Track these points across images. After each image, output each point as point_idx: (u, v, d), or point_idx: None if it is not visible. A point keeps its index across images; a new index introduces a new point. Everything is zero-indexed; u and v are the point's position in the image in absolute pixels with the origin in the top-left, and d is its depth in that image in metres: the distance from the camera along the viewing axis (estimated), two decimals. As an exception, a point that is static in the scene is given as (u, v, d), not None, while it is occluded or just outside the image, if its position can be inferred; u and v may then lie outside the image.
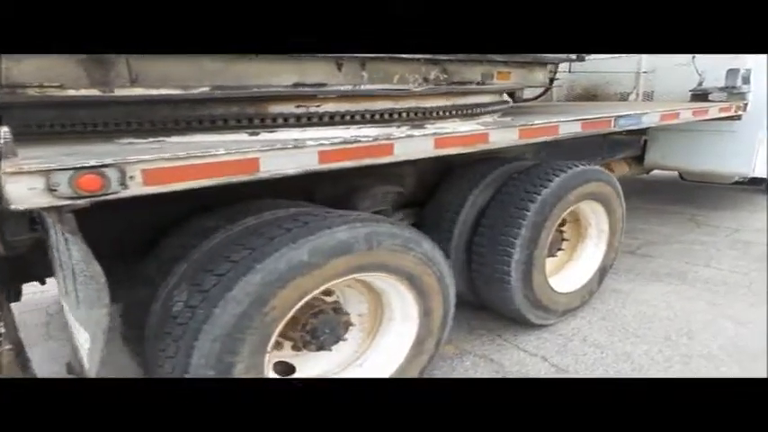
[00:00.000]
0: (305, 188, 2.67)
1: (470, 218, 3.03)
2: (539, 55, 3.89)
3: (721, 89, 4.57)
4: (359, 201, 2.99)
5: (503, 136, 2.51)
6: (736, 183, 5.90)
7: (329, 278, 1.94)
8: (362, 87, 2.10)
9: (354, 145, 1.88)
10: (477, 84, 3.72)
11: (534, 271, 2.91)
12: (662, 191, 7.14)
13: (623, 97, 5.63)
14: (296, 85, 2.35)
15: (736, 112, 4.66)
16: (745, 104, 4.77)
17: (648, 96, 5.49)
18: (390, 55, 3.01)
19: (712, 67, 4.83)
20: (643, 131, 5.63)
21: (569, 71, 5.90)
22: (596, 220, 3.46)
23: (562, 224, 3.42)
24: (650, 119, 3.50)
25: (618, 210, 3.45)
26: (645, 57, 5.43)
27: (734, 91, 4.55)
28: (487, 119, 2.78)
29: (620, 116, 3.22)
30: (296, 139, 1.80)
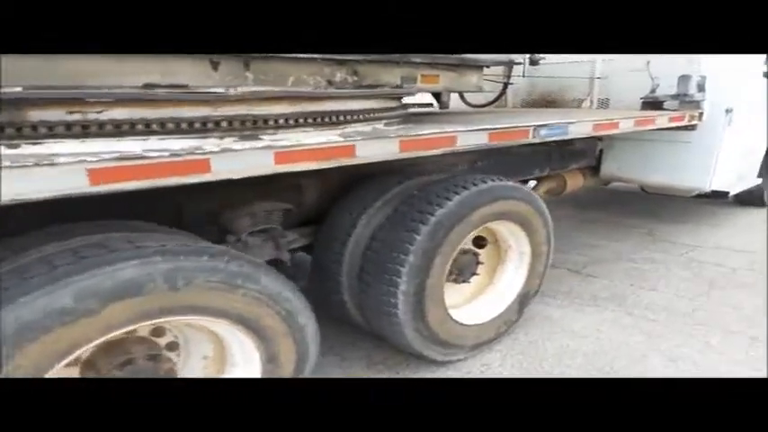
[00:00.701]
0: (167, 205, 2.29)
1: (363, 240, 2.66)
2: (467, 56, 3.53)
3: (673, 97, 4.21)
4: (235, 219, 2.61)
5: (376, 148, 2.14)
6: (699, 196, 5.55)
7: (112, 327, 1.55)
8: (158, 91, 1.70)
9: (140, 162, 1.50)
10: (397, 86, 3.36)
11: (428, 303, 2.54)
12: (626, 202, 6.79)
13: (577, 104, 5.28)
14: (146, 86, 1.97)
15: (689, 121, 4.31)
16: (701, 113, 4.42)
17: (604, 104, 5.14)
18: (280, 54, 2.65)
19: (669, 72, 4.48)
20: (599, 139, 5.28)
21: (523, 75, 5.55)
22: (516, 241, 3.09)
23: (481, 245, 3.06)
24: (579, 129, 3.13)
25: (540, 231, 3.08)
26: (599, 62, 5.08)
27: (686, 99, 4.20)
28: (363, 128, 2.40)
29: (541, 126, 2.85)
30: (53, 155, 1.41)
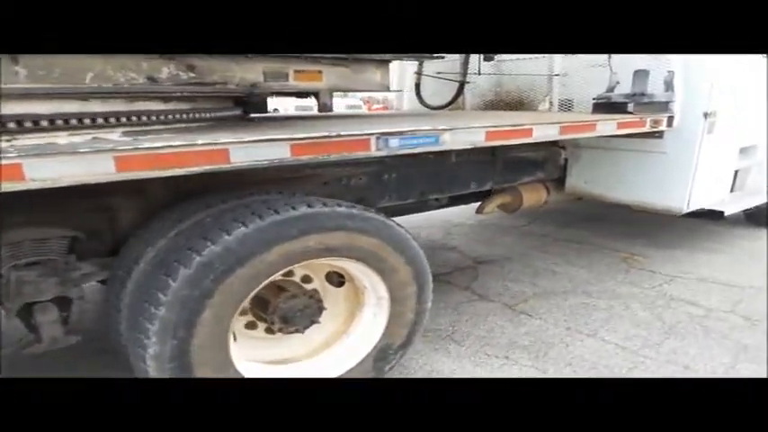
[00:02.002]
0: None
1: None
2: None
3: (628, 97, 3.42)
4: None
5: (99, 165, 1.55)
6: (692, 215, 4.66)
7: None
8: None
9: None
10: (252, 85, 2.80)
11: (198, 368, 1.91)
12: (618, 219, 5.91)
13: (533, 106, 4.52)
14: None
15: (653, 127, 3.50)
16: (670, 118, 3.60)
17: (566, 105, 4.36)
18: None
19: (637, 67, 3.70)
20: (562, 147, 4.51)
21: (478, 73, 4.84)
22: (370, 282, 2.42)
23: (342, 282, 2.43)
24: (461, 138, 2.44)
25: (401, 270, 2.40)
26: (559, 57, 4.31)
27: (644, 100, 3.39)
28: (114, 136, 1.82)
29: (387, 135, 2.18)
30: None
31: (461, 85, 5.01)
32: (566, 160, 4.58)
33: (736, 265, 4.46)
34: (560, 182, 4.68)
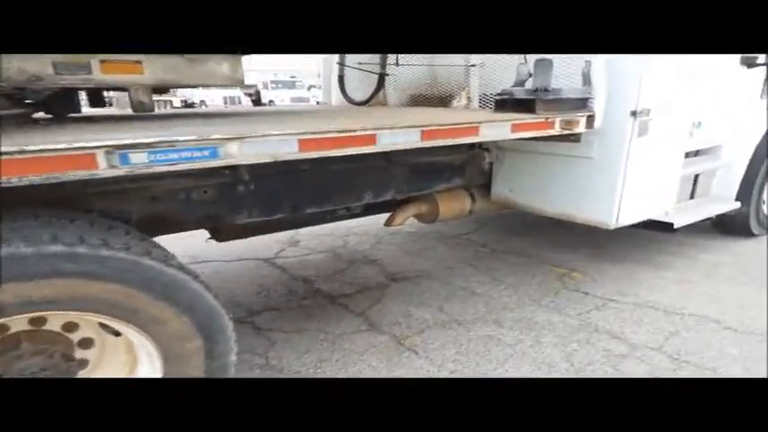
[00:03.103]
0: None
1: None
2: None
3: (529, 93, 2.82)
4: None
5: None
6: (639, 226, 4.04)
7: None
8: None
9: None
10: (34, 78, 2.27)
11: None
12: (567, 226, 5.28)
13: (449, 102, 3.93)
14: None
15: (566, 129, 2.90)
16: (589, 117, 3.00)
17: (487, 100, 3.75)
18: None
19: (562, 58, 3.11)
20: (486, 150, 3.92)
21: (396, 63, 4.25)
22: (134, 336, 1.86)
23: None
24: (246, 150, 1.87)
25: (169, 320, 1.84)
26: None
27: (549, 96, 2.79)
28: None
29: (127, 148, 1.62)
30: None
31: (381, 77, 4.43)
32: (491, 164, 3.98)
33: (685, 286, 3.86)
34: (487, 188, 4.09)
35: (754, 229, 4.90)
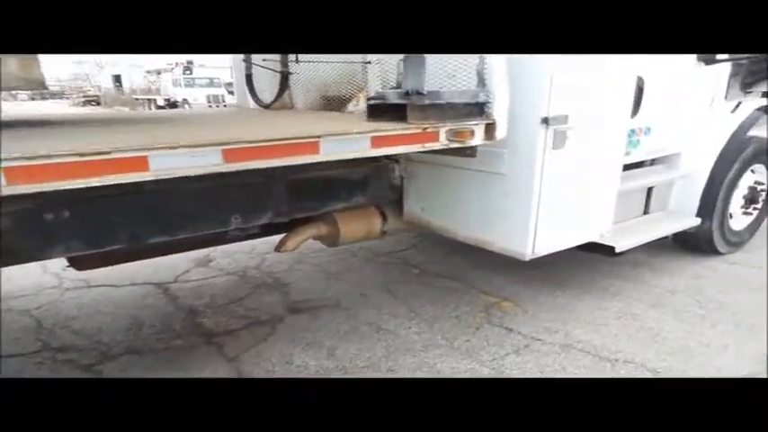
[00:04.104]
0: None
1: None
2: None
3: (402, 96, 2.25)
4: None
5: None
6: (583, 248, 3.45)
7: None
8: None
9: None
10: None
11: None
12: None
13: (343, 105, 3.37)
14: None
15: (456, 141, 2.34)
16: (488, 126, 2.43)
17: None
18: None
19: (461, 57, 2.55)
20: (395, 161, 3.36)
21: (296, 60, 3.68)
22: None
23: None
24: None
25: None
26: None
27: (425, 100, 2.22)
28: None
29: None
30: None
31: (284, 77, 3.86)
32: (401, 178, 3.42)
33: (627, 320, 3.30)
34: (401, 206, 3.53)
35: (720, 246, 4.34)
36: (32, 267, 4.00)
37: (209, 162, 1.73)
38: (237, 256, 4.70)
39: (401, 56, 2.61)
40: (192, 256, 4.57)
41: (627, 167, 3.71)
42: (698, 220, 4.00)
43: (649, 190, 4.00)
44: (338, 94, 3.46)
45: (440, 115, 2.27)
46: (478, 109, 2.40)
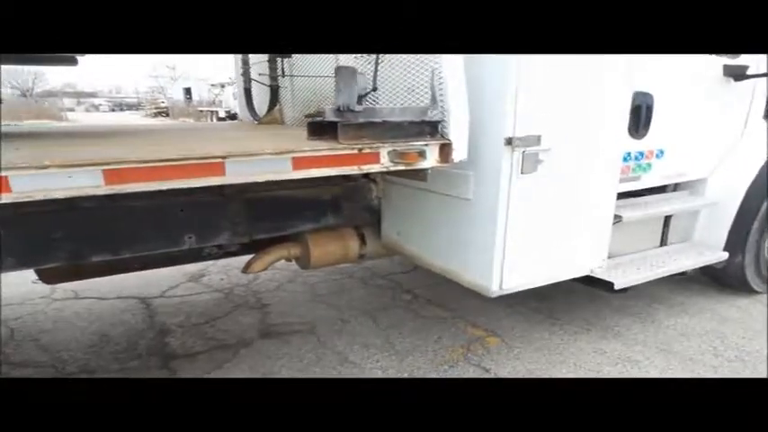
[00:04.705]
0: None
1: None
2: None
3: (338, 113, 2.03)
4: None
5: None
6: (581, 281, 3.10)
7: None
8: None
9: None
10: None
11: None
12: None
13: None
14: None
15: (401, 163, 2.10)
16: (444, 147, 2.18)
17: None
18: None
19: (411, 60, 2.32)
20: (373, 181, 3.15)
21: (282, 75, 3.55)
22: None
23: None
24: None
25: None
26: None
27: (359, 119, 2.00)
28: None
29: None
30: None
31: (273, 91, 3.73)
32: (379, 199, 3.19)
33: (624, 367, 2.91)
34: (380, 228, 3.30)
35: (756, 285, 3.83)
36: (28, 275, 4.04)
37: (86, 183, 1.57)
38: (233, 271, 4.59)
39: (412, 68, 2.41)
40: (187, 270, 4.51)
41: (637, 194, 3.33)
42: (724, 255, 3.53)
43: (667, 219, 3.57)
44: (318, 111, 3.27)
45: (379, 134, 2.03)
46: (431, 128, 2.14)
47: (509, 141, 2.20)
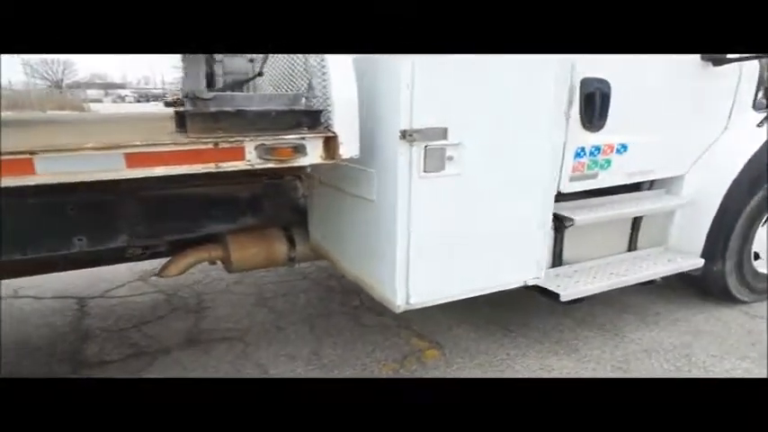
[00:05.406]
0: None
1: None
2: None
3: (192, 102, 1.76)
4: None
5: None
6: (532, 288, 2.78)
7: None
8: None
9: None
10: None
11: None
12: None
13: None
14: None
15: (273, 160, 1.82)
16: (328, 140, 1.89)
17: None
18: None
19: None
20: (298, 178, 2.88)
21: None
22: None
23: None
24: None
25: None
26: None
27: (210, 107, 1.72)
28: None
29: None
30: None
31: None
32: (306, 198, 2.92)
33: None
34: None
35: (739, 294, 3.44)
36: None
37: None
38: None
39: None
40: (140, 267, 4.31)
41: (602, 192, 2.99)
42: (699, 262, 3.16)
43: (636, 221, 3.21)
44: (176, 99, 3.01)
45: (241, 126, 1.75)
46: (310, 119, 1.85)
47: (404, 134, 1.89)
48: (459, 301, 2.63)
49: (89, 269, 3.19)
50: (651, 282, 3.11)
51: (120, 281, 4.11)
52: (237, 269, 2.94)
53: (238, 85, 2.07)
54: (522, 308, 3.45)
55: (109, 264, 3.20)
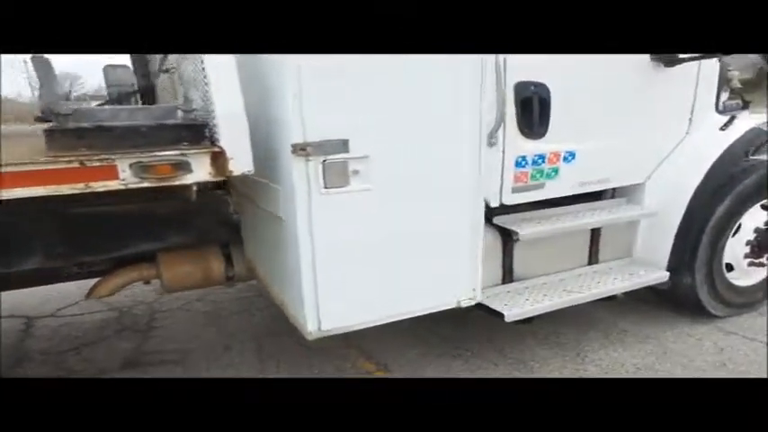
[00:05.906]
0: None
1: None
2: None
3: (60, 116, 1.63)
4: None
5: None
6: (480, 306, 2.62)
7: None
8: None
9: None
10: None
11: None
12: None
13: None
14: None
15: (149, 178, 1.69)
16: (216, 155, 1.76)
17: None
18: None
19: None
20: (228, 193, 2.77)
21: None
22: None
23: None
24: None
25: None
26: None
27: (69, 123, 1.60)
28: None
29: None
30: None
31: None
32: (238, 214, 2.79)
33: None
34: (249, 248, 2.90)
35: (713, 308, 3.23)
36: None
37: None
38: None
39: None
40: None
41: (553, 203, 2.82)
42: (664, 275, 2.96)
43: (595, 233, 3.02)
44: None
45: (110, 143, 1.62)
46: (192, 133, 1.72)
47: (295, 149, 1.75)
48: (416, 318, 2.48)
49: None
50: (611, 298, 2.92)
51: (72, 299, 4.00)
52: (172, 289, 2.82)
53: (125, 96, 1.94)
54: (487, 324, 3.25)
55: (44, 284, 3.09)
